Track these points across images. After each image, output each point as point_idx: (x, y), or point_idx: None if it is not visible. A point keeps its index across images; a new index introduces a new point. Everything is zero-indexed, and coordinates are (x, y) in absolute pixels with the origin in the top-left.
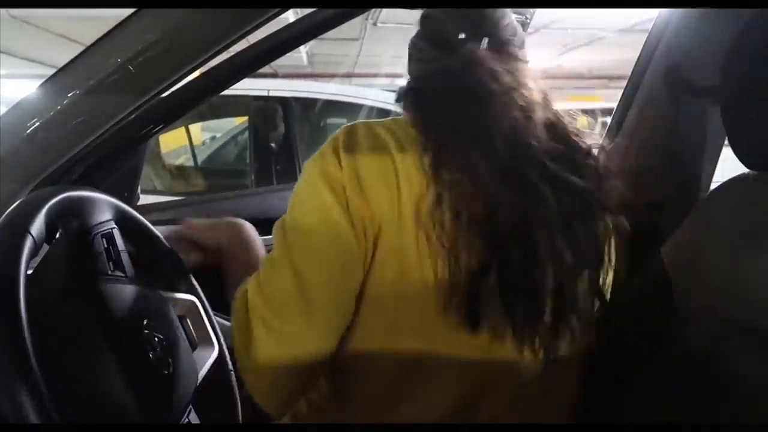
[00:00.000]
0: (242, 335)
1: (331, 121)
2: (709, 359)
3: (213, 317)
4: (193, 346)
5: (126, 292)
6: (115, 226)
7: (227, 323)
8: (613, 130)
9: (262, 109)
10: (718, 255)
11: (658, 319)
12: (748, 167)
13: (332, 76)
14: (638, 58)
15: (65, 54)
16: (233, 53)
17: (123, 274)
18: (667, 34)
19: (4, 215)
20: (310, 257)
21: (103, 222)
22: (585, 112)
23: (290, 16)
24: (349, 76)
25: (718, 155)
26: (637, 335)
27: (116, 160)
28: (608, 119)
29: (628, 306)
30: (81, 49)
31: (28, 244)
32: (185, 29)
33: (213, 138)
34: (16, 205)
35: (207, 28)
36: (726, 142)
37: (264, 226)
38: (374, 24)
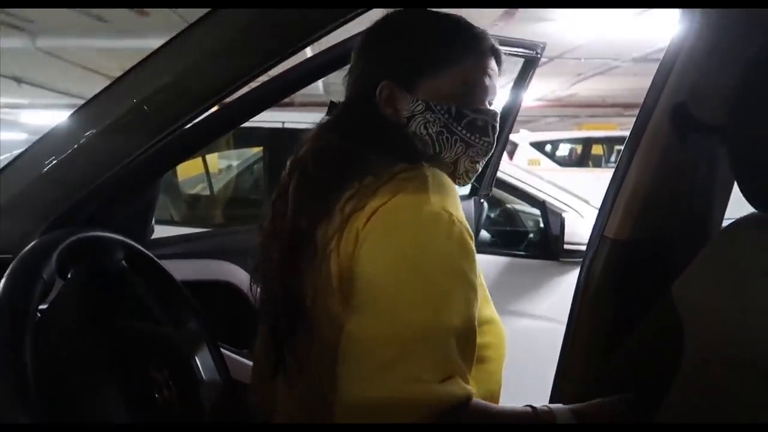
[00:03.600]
0: None
1: None
2: (722, 403)
3: (222, 351)
4: (202, 382)
5: (134, 330)
6: (125, 264)
7: (238, 358)
8: (623, 166)
9: (277, 140)
10: (731, 295)
11: (667, 360)
12: (757, 209)
13: None
14: (645, 96)
15: (87, 85)
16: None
17: (131, 312)
18: (675, 72)
19: (17, 258)
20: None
21: (113, 261)
22: (600, 140)
23: (308, 51)
24: None
25: (730, 191)
26: (645, 376)
27: (131, 195)
28: (623, 148)
29: (636, 345)
30: (103, 80)
31: (39, 287)
32: (199, 71)
33: (229, 167)
34: (29, 248)
35: (220, 70)
36: None
37: None
38: None
